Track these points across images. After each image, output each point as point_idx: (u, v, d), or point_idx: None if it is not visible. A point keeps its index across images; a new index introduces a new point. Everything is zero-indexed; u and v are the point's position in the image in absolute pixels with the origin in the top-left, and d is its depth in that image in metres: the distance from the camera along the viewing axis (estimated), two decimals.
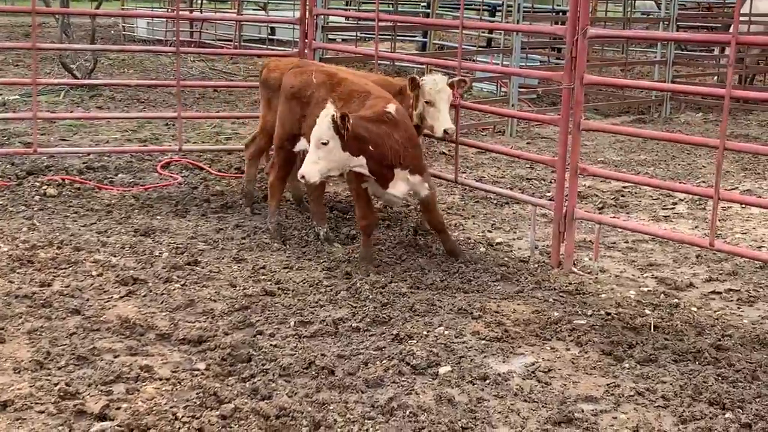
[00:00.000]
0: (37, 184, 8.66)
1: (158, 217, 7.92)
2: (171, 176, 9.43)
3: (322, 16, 11.31)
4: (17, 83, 13.99)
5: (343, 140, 6.32)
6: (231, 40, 23.88)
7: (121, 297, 5.97)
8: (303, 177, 6.34)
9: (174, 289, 6.14)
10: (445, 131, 7.35)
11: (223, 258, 6.89)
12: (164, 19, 24.02)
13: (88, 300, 5.87)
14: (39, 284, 6.10)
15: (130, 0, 29.05)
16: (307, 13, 9.34)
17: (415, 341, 5.39)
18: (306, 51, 9.46)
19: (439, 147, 11.19)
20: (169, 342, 5.29)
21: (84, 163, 9.59)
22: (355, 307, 5.93)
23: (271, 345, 5.25)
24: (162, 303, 5.89)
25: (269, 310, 5.84)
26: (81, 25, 22.21)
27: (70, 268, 6.45)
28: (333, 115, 6.24)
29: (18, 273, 6.30)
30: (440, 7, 17.56)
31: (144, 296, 6.01)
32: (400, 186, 6.83)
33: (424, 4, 19.74)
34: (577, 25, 6.61)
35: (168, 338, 5.34)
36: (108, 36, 26.70)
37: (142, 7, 28.75)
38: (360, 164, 6.57)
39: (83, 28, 21.86)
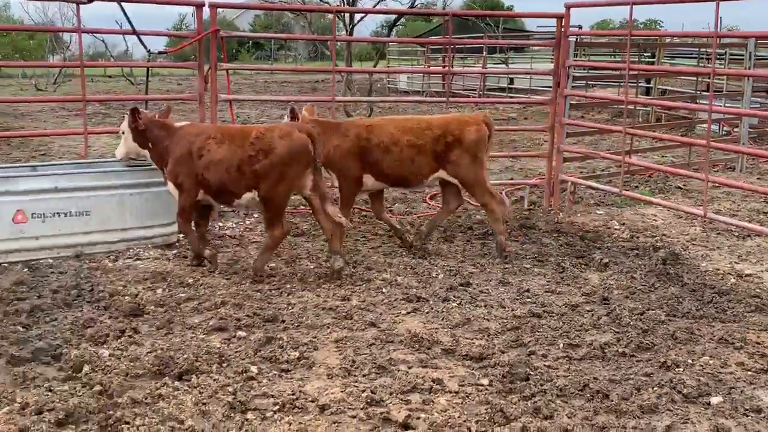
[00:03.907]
0: None
1: (431, 242, 7.66)
2: (437, 206, 9.18)
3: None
4: None
5: (133, 133, 6.68)
6: (476, 90, 23.75)
7: (408, 313, 5.71)
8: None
9: (452, 308, 5.80)
10: None
11: (490, 280, 6.48)
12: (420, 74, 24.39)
13: (381, 314, 5.65)
14: (341, 298, 5.98)
15: (394, 59, 29.72)
16: (560, 65, 8.79)
17: (682, 369, 4.70)
18: (558, 99, 8.92)
19: (675, 182, 10.24)
20: (453, 357, 4.92)
21: None
22: (618, 333, 5.29)
23: (545, 365, 4.75)
24: (443, 320, 5.56)
25: (538, 332, 5.34)
26: (360, 80, 22.88)
27: (364, 285, 6.30)
28: (131, 111, 6.60)
29: (323, 288, 6.23)
30: (664, 56, 16.30)
31: (427, 313, 5.71)
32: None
33: (648, 54, 18.48)
34: None
35: (452, 353, 4.97)
36: (378, 89, 27.44)
37: (404, 64, 29.36)
38: (147, 155, 6.76)
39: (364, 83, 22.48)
